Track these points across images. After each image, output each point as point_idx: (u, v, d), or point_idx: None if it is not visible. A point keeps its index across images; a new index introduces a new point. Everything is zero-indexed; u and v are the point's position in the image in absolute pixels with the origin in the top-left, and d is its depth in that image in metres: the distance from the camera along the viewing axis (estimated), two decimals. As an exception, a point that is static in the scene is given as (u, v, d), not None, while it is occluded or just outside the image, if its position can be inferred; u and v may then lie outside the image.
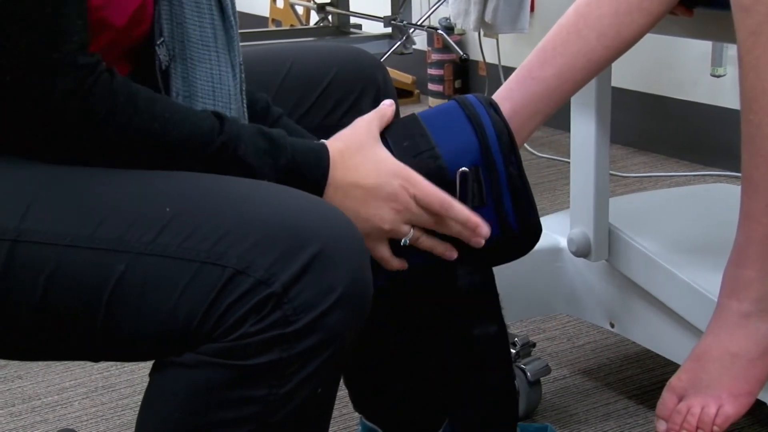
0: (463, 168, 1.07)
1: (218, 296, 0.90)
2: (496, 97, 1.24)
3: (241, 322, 0.90)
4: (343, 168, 1.04)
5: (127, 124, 0.96)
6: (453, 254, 1.11)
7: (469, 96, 1.13)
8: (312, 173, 1.04)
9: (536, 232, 1.14)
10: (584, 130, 1.54)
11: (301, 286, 0.90)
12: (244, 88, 1.14)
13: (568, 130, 1.58)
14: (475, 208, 1.09)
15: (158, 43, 1.06)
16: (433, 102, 3.82)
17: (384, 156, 1.07)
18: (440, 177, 1.07)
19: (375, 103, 1.26)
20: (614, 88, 1.56)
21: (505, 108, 1.18)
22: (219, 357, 0.90)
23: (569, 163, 1.59)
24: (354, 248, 0.94)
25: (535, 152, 3.14)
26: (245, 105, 1.15)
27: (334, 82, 1.27)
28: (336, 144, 1.07)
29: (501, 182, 1.10)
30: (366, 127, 1.09)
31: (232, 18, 1.11)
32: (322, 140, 1.07)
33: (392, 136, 1.10)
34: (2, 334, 0.95)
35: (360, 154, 1.06)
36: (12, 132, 0.96)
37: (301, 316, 0.90)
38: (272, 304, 0.90)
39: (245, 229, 0.91)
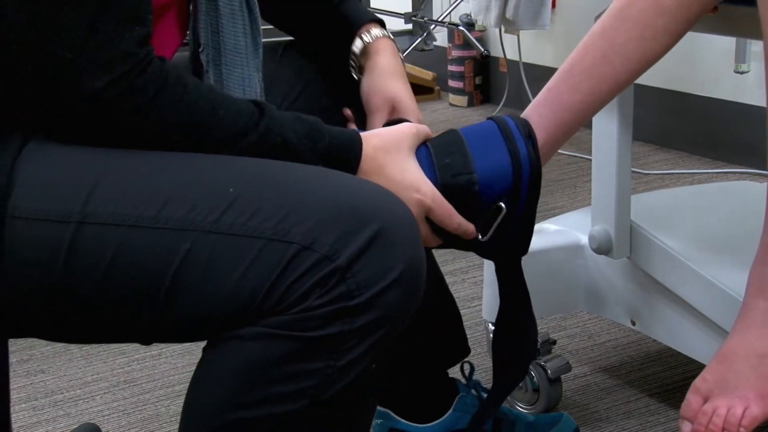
0: (501, 204, 1.11)
1: (283, 272, 0.92)
2: (529, 120, 1.23)
3: (305, 296, 0.92)
4: (373, 162, 1.06)
5: (177, 102, 0.97)
6: None
7: (509, 121, 1.14)
8: (346, 157, 1.05)
9: (521, 254, 1.19)
10: (606, 126, 1.54)
11: (363, 262, 0.92)
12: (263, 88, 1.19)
13: (590, 126, 1.56)
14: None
15: (200, 50, 1.10)
16: (453, 99, 3.76)
17: (412, 167, 1.09)
18: (472, 202, 1.11)
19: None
20: (636, 85, 1.52)
21: (539, 136, 1.20)
22: (282, 329, 0.92)
23: (590, 159, 1.59)
24: (411, 229, 0.96)
25: (556, 148, 3.10)
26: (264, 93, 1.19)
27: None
28: (371, 139, 1.08)
29: (516, 215, 1.13)
30: (406, 133, 1.11)
31: (258, 22, 1.15)
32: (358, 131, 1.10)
33: (436, 150, 1.12)
34: (64, 315, 0.96)
35: (390, 156, 1.08)
36: (61, 117, 0.97)
37: (363, 291, 0.92)
38: (337, 278, 0.92)
39: (308, 208, 0.93)
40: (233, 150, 1.00)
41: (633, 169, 1.90)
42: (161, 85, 0.96)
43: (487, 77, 3.74)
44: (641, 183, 2.76)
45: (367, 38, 1.25)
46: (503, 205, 1.11)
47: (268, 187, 0.96)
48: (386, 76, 1.23)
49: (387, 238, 0.94)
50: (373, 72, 1.24)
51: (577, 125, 1.31)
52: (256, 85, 1.15)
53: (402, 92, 1.23)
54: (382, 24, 1.28)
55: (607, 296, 1.64)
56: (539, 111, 1.30)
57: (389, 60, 1.23)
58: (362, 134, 1.08)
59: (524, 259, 1.22)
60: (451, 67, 3.77)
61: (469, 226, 1.12)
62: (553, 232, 1.68)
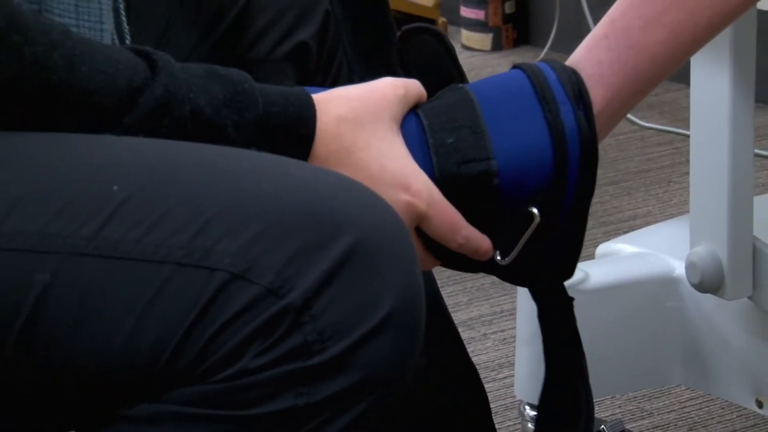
0: (533, 209, 1.02)
1: (203, 315, 0.82)
2: (580, 70, 1.11)
3: (238, 352, 0.81)
4: (335, 143, 0.97)
5: (17, 58, 0.87)
6: None
7: (548, 72, 1.03)
8: (291, 134, 0.96)
9: (562, 278, 1.08)
10: (712, 83, 1.37)
11: (329, 298, 0.82)
12: (122, 6, 1.09)
13: (689, 83, 1.39)
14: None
15: None
16: (469, 38, 3.41)
17: (396, 151, 0.98)
18: (488, 205, 1.01)
19: (321, 30, 1.21)
20: (762, 13, 1.38)
21: (596, 97, 1.07)
22: (201, 405, 0.81)
23: (690, 136, 1.43)
24: (402, 241, 0.88)
25: (637, 119, 2.70)
26: (128, 31, 1.09)
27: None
28: (332, 105, 0.97)
29: (557, 225, 1.02)
30: (386, 96, 1.00)
31: None
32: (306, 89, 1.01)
33: (432, 121, 1.02)
34: None
35: (363, 132, 0.98)
36: None
37: (328, 343, 0.82)
38: (287, 324, 0.81)
39: (240, 214, 0.84)
40: (112, 129, 0.90)
41: (756, 150, 1.77)
42: None
43: (524, 2, 3.28)
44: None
45: None
46: (535, 210, 1.00)
47: (176, 182, 0.86)
48: None
49: (366, 257, 0.84)
50: None
51: (656, 80, 1.11)
52: (101, 17, 1.03)
53: None
54: None
55: (717, 362, 1.46)
56: (597, 55, 1.10)
57: None
58: (316, 97, 0.97)
59: (579, 302, 1.08)
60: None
61: (482, 242, 1.00)
62: (629, 257, 1.50)
